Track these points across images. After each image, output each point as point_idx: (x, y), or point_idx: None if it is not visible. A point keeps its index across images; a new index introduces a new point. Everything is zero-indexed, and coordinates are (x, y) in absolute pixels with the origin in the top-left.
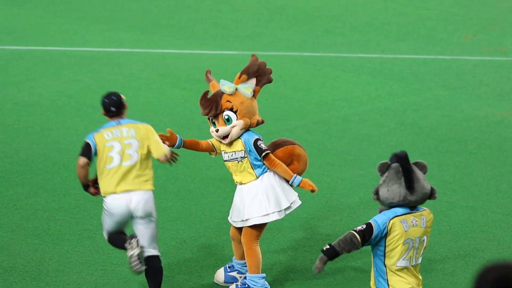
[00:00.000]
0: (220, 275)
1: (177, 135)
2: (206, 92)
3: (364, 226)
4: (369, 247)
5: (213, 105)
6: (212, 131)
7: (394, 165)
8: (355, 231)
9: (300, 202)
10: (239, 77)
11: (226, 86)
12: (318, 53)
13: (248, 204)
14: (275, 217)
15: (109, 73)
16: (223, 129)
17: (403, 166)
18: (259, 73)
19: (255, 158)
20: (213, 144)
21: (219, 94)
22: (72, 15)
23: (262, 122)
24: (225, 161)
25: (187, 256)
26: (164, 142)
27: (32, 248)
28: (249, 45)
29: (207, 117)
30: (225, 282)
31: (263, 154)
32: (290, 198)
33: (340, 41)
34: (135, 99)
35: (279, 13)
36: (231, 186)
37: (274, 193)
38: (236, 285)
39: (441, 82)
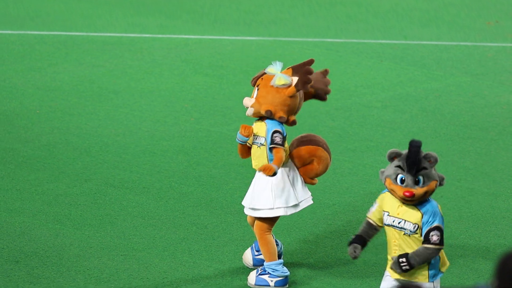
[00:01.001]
0: (248, 258)
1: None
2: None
3: (440, 234)
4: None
5: (256, 78)
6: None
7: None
8: (440, 245)
9: (311, 202)
10: (287, 69)
11: (271, 67)
12: (340, 39)
13: (257, 194)
14: (280, 212)
15: (132, 59)
16: (245, 100)
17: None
18: (298, 74)
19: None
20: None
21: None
22: None
23: (290, 123)
24: (253, 143)
25: (208, 242)
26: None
27: (53, 233)
28: (272, 31)
29: None
30: (253, 265)
31: (271, 146)
32: (300, 197)
33: (362, 27)
34: (157, 85)
35: None
36: (253, 172)
37: (285, 188)
38: (257, 276)
39: (463, 68)
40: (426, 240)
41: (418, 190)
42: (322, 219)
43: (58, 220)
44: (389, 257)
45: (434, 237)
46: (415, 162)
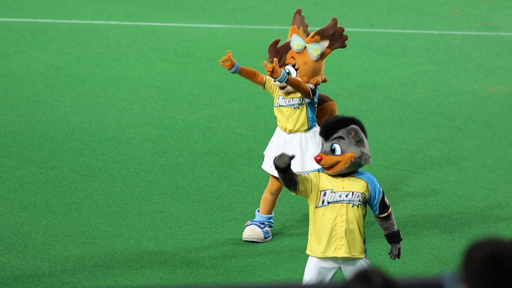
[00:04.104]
0: (258, 233)
1: (235, 62)
2: (277, 41)
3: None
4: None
5: (277, 56)
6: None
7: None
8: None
9: None
10: (312, 37)
11: (295, 43)
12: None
13: (301, 157)
14: None
15: (98, 46)
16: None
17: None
18: (333, 38)
19: (310, 107)
20: (265, 82)
21: (287, 48)
22: None
23: (325, 81)
24: (280, 106)
25: (174, 230)
26: (222, 63)
27: (18, 220)
28: (238, 19)
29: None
30: (264, 238)
31: (311, 89)
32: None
33: (329, 15)
34: (123, 73)
35: None
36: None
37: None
38: (262, 230)
39: (429, 56)
40: (386, 206)
41: (329, 157)
42: (288, 206)
43: (24, 208)
44: (321, 241)
45: (387, 200)
46: (326, 127)
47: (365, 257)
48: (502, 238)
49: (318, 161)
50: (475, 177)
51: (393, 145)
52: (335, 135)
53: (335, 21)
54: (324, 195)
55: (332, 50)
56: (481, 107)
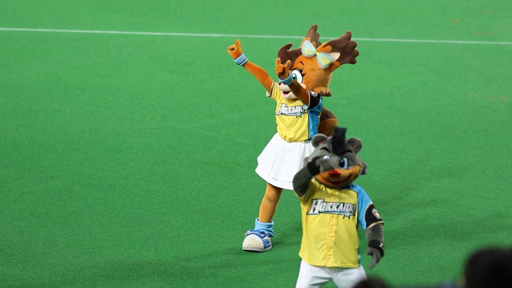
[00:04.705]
0: (258, 242)
1: (243, 53)
2: (289, 45)
3: (377, 211)
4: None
5: (286, 60)
6: (278, 81)
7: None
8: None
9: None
10: (324, 46)
11: (307, 49)
12: None
13: (284, 168)
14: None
15: (98, 56)
16: (285, 85)
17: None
18: (344, 51)
19: (313, 117)
20: (273, 88)
21: (297, 53)
22: None
23: (328, 95)
24: (281, 114)
25: (174, 239)
26: (229, 51)
27: (18, 230)
28: (238, 28)
29: None
30: (264, 247)
31: (312, 96)
32: None
33: (328, 25)
34: (123, 82)
35: None
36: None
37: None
38: (262, 239)
39: (429, 66)
40: (373, 218)
41: (344, 171)
42: (288, 215)
43: (24, 217)
44: (311, 250)
45: (377, 214)
46: (340, 142)
47: (360, 267)
48: (503, 247)
49: (335, 175)
50: (475, 186)
51: (393, 155)
52: (345, 149)
53: (349, 34)
54: (316, 203)
55: (341, 64)
56: (481, 117)
